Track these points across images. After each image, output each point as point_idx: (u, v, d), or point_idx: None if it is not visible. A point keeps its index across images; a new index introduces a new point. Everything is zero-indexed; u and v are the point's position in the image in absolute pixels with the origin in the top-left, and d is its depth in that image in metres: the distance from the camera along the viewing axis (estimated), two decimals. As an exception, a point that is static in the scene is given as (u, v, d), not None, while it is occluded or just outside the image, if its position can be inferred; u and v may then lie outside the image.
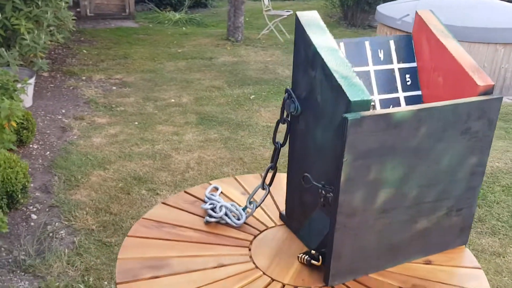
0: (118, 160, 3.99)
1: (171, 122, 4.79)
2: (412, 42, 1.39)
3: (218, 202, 1.45)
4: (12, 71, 4.13)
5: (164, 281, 1.21)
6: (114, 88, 5.70)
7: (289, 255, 1.34)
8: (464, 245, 1.42)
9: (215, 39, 8.14)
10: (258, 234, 1.41)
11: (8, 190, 3.03)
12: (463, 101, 1.17)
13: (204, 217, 1.45)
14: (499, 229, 3.24)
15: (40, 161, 3.89)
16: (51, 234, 3.01)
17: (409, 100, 1.39)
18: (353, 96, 1.06)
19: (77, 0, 8.84)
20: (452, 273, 1.32)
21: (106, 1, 9.41)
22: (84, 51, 7.01)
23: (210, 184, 1.64)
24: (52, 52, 6.73)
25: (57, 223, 3.13)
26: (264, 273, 1.27)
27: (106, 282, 2.67)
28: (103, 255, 2.85)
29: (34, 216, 3.19)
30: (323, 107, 1.17)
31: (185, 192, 1.59)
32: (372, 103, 1.09)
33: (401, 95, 1.37)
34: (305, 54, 1.20)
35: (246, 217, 1.43)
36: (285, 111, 1.32)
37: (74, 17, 5.62)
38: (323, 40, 1.16)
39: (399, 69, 1.37)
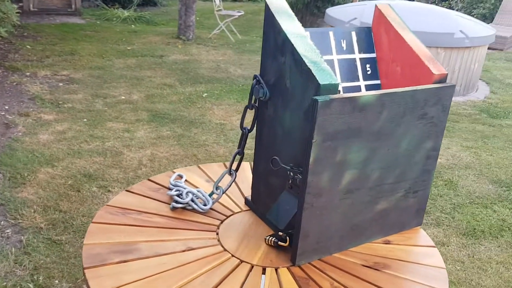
0: (66, 157, 3.87)
1: (121, 119, 4.70)
2: (372, 34, 1.46)
3: (184, 188, 1.46)
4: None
5: (133, 265, 1.21)
6: (60, 84, 5.52)
7: (256, 238, 1.37)
8: (419, 226, 1.50)
9: (165, 38, 8.06)
10: (225, 219, 1.43)
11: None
12: (421, 88, 1.25)
13: (169, 204, 1.46)
14: (443, 220, 3.42)
15: (-17, 158, 3.72)
16: (-3, 233, 2.88)
17: (369, 89, 1.46)
18: (322, 80, 1.11)
19: (20, -7, 8.50)
20: (409, 251, 1.39)
21: (50, -4, 9.11)
22: (28, 46, 6.74)
23: (174, 172, 1.64)
24: (-7, 47, 6.43)
25: (2, 222, 3.00)
26: (232, 255, 1.29)
27: (57, 281, 2.59)
28: (53, 254, 2.77)
29: (-22, 214, 3.04)
30: (292, 92, 1.21)
31: (149, 180, 1.59)
32: (339, 88, 1.14)
33: (362, 83, 1.44)
34: (274, 41, 1.24)
35: (213, 203, 1.44)
36: (253, 96, 1.35)
37: (18, 11, 5.40)
38: (293, 26, 1.20)
39: (360, 59, 1.44)
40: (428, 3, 12.91)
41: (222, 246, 1.32)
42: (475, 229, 3.32)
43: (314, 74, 1.12)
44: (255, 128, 1.39)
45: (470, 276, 2.85)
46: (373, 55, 1.46)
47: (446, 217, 3.45)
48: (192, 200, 1.42)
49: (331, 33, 1.40)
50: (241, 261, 1.28)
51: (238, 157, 1.46)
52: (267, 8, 1.25)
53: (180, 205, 1.42)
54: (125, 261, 1.22)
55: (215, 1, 8.21)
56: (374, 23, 1.45)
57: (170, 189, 1.52)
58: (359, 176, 1.24)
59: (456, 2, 12.81)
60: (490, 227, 3.35)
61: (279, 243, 1.30)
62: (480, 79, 7.01)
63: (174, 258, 1.25)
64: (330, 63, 1.38)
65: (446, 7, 11.26)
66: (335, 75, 1.39)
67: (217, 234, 1.37)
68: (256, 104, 1.36)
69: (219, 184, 1.52)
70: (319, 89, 1.11)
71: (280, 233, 1.31)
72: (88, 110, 4.86)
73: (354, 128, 1.16)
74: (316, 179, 1.17)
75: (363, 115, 1.16)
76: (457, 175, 4.12)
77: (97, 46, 7.18)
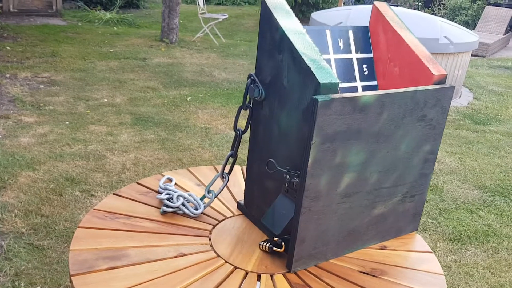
0: (48, 160, 3.77)
1: (104, 122, 4.61)
2: (369, 33, 1.43)
3: (175, 192, 1.40)
4: None
5: (122, 271, 1.14)
6: (41, 86, 5.40)
7: (250, 244, 1.32)
8: (415, 231, 1.47)
9: (148, 40, 7.97)
10: (217, 224, 1.38)
11: None
12: (421, 89, 1.22)
13: (159, 208, 1.40)
14: (429, 225, 3.41)
15: (-40, 160, 3.60)
16: (-25, 238, 2.78)
17: (367, 90, 1.43)
18: (322, 78, 1.07)
19: (-1, -6, 8.33)
20: (406, 257, 1.36)
21: (30, -3, 8.95)
22: (8, 47, 6.60)
23: (163, 175, 1.58)
24: (-29, 47, 6.28)
25: (-19, 227, 2.90)
26: (226, 261, 1.24)
27: (39, 287, 2.50)
28: (34, 259, 2.67)
29: (-46, 219, 2.93)
30: (289, 91, 1.16)
31: (137, 183, 1.53)
32: (339, 87, 1.10)
33: (358, 84, 1.40)
34: (271, 38, 1.19)
35: (205, 207, 1.39)
36: (247, 97, 1.30)
37: (-2, 10, 5.28)
38: (291, 23, 1.16)
39: (357, 59, 1.40)
40: (411, 9, 13.08)
41: (215, 252, 1.27)
42: (461, 234, 3.32)
43: (314, 73, 1.07)
44: (248, 130, 1.34)
45: (457, 281, 2.84)
46: (370, 55, 1.43)
47: (432, 222, 3.44)
48: (183, 204, 1.37)
49: (328, 32, 1.36)
50: (235, 268, 1.23)
51: (231, 159, 1.41)
52: (263, 4, 1.20)
53: (170, 209, 1.36)
54: (114, 268, 1.15)
55: (199, 4, 8.16)
56: (372, 22, 1.42)
57: (159, 192, 1.46)
58: (357, 179, 1.21)
59: (439, 8, 13.00)
60: (476, 232, 3.36)
61: (274, 248, 1.26)
62: (463, 85, 7.08)
63: (165, 265, 1.19)
64: (327, 62, 1.34)
65: (429, 13, 11.39)
66: (332, 75, 1.35)
67: (210, 239, 1.32)
68: (251, 105, 1.31)
69: (211, 188, 1.47)
70: (319, 88, 1.07)
71: (275, 239, 1.27)
72: (70, 112, 4.76)
73: (354, 129, 1.13)
74: (314, 182, 1.12)
75: (363, 116, 1.13)
76: (442, 180, 4.13)
77: (79, 48, 7.06)
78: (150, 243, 1.26)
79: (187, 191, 1.52)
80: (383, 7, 1.38)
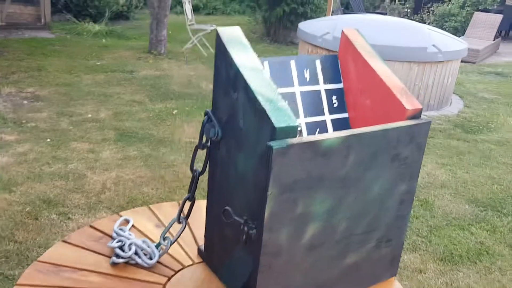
0: (26, 181, 3.64)
1: (87, 139, 4.48)
2: (338, 62, 1.31)
3: (128, 239, 1.27)
4: None
5: None
6: (25, 102, 5.28)
7: (208, 298, 1.19)
8: (393, 277, 1.35)
9: (136, 52, 7.86)
10: (174, 275, 1.25)
11: None
12: (393, 126, 1.10)
13: (110, 257, 1.27)
14: (419, 244, 3.29)
15: None
16: None
17: (336, 123, 1.31)
18: (278, 122, 0.95)
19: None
20: (383, 308, 1.24)
21: (19, 10, 8.83)
22: (-8, 62, 6.47)
23: (120, 216, 1.45)
24: (-46, 62, 6.16)
25: (-51, 255, 2.76)
26: (180, 322, 1.12)
27: (6, 323, 2.37)
28: (4, 291, 2.54)
29: None
30: (246, 133, 1.04)
31: (91, 226, 1.40)
32: (299, 128, 0.98)
33: (327, 117, 1.28)
34: (226, 74, 1.07)
35: (160, 256, 1.26)
36: (204, 136, 1.18)
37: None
38: (246, 58, 1.04)
39: (326, 90, 1.28)
40: (400, 16, 13.04)
41: (169, 310, 1.14)
42: (452, 253, 3.19)
43: (269, 115, 0.96)
44: (206, 170, 1.22)
45: (449, 306, 2.72)
46: (340, 85, 1.31)
47: (422, 241, 3.32)
48: (136, 253, 1.24)
49: (292, 62, 1.24)
50: (190, 329, 1.10)
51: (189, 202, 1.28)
52: (218, 38, 1.09)
53: (121, 260, 1.23)
54: (50, 335, 1.03)
55: (187, 15, 8.06)
56: (341, 50, 1.31)
57: (112, 238, 1.33)
58: (324, 228, 1.08)
59: (428, 15, 12.95)
60: (468, 251, 3.23)
61: (235, 305, 1.13)
62: (453, 93, 6.99)
63: (110, 328, 1.06)
64: (292, 96, 1.23)
65: (418, 20, 11.34)
66: (297, 109, 1.24)
67: (164, 294, 1.19)
68: (208, 144, 1.19)
69: (170, 231, 1.34)
70: (275, 132, 0.95)
71: (235, 294, 1.14)
72: (52, 129, 4.63)
73: (316, 176, 1.01)
74: (273, 236, 1.00)
75: (326, 161, 1.01)
76: (433, 194, 4.01)
77: (66, 61, 6.94)
78: (96, 302, 1.13)
79: (145, 234, 1.39)
80: (352, 34, 1.26)
